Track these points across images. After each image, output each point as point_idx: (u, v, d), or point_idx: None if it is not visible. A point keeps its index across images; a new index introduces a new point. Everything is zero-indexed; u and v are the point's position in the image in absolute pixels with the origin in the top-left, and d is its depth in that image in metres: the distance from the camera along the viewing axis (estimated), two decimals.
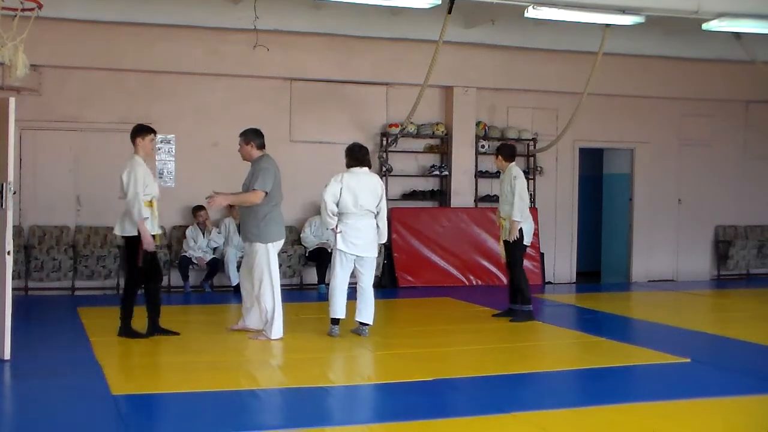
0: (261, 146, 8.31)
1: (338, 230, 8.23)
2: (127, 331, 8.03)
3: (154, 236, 7.98)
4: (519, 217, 9.23)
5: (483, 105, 13.23)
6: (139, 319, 8.22)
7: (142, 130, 8.10)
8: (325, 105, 12.38)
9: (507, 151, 9.68)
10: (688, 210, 14.35)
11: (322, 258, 11.71)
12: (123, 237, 8.08)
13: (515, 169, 9.43)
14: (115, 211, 11.38)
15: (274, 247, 8.23)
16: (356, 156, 8.41)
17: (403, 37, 12.19)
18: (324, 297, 11.32)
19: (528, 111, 13.47)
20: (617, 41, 11.71)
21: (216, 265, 11.42)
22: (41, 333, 8.45)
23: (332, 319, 8.35)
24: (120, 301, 8.18)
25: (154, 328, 8.15)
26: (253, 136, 8.31)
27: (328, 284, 8.42)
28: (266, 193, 8.09)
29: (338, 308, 8.30)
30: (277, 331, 8.16)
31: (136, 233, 7.87)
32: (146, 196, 7.91)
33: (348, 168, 8.40)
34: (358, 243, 8.27)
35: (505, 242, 9.44)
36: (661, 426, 5.67)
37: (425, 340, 8.47)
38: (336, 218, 8.26)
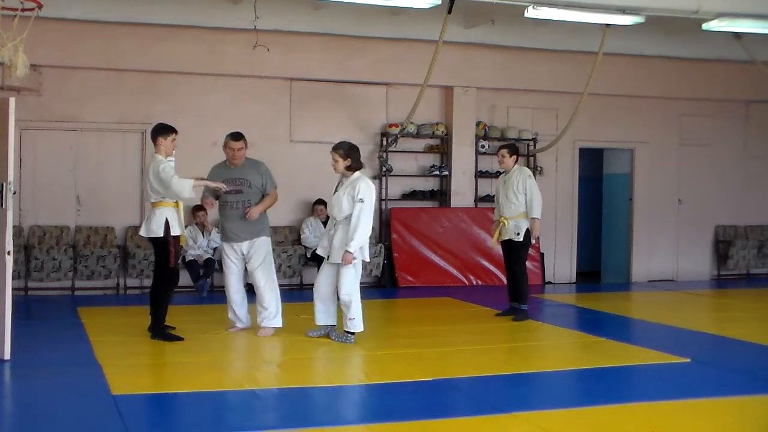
0: None
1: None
2: (162, 334, 7.95)
3: (178, 237, 7.93)
4: (539, 215, 9.36)
5: (483, 105, 13.23)
6: (134, 319, 8.23)
7: (164, 130, 7.96)
8: (325, 105, 12.39)
9: (518, 150, 9.81)
10: (688, 210, 14.35)
11: (323, 259, 11.69)
12: (150, 239, 7.93)
13: (527, 170, 9.57)
14: (114, 211, 11.58)
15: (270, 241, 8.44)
16: (359, 158, 8.20)
17: (403, 37, 12.19)
18: None
19: (528, 111, 13.47)
20: (617, 41, 11.72)
21: (211, 265, 11.39)
22: (41, 333, 8.45)
23: (355, 332, 8.11)
24: (151, 304, 8.06)
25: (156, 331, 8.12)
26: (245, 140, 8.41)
27: None
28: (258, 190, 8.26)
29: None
30: (279, 318, 8.32)
31: (160, 234, 7.79)
32: (172, 198, 7.87)
33: (357, 170, 8.10)
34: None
35: (509, 241, 9.46)
36: (661, 426, 5.67)
37: (425, 340, 8.46)
38: None
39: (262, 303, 8.27)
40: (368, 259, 8.23)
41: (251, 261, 8.28)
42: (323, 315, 8.20)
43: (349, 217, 7.94)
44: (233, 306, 8.48)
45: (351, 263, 7.93)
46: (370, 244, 12.21)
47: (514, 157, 9.55)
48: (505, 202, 9.45)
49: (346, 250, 7.88)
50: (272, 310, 8.28)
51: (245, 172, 8.27)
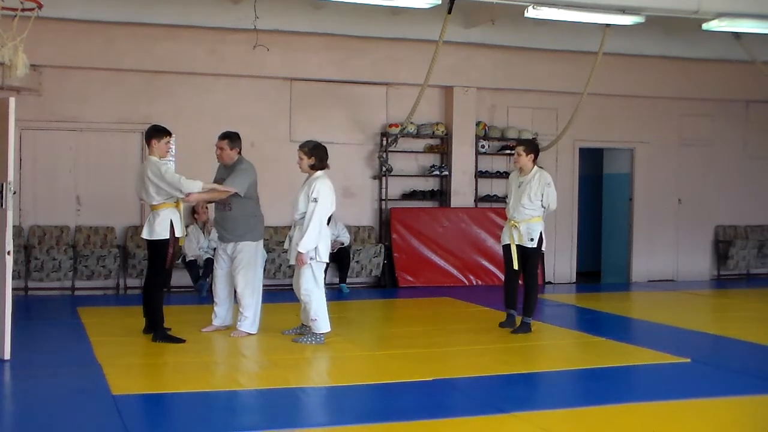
0: (240, 150, 8.38)
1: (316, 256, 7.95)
2: (164, 336, 7.93)
3: (178, 239, 7.94)
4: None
5: (483, 105, 13.24)
6: (134, 319, 8.23)
7: (158, 132, 7.99)
8: (325, 105, 12.39)
9: (537, 149, 8.99)
10: (688, 210, 14.35)
11: (341, 257, 11.81)
12: (150, 240, 7.92)
13: (548, 175, 8.81)
14: (114, 211, 11.57)
15: (261, 245, 8.41)
16: (324, 158, 8.11)
17: (403, 37, 12.19)
18: (345, 296, 11.49)
19: (528, 111, 13.47)
20: (617, 41, 11.72)
21: (211, 265, 11.37)
22: (41, 333, 8.45)
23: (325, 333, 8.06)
24: (148, 306, 8.06)
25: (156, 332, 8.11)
26: (238, 141, 8.38)
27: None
28: (236, 193, 8.12)
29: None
30: (255, 325, 8.29)
31: (166, 236, 7.81)
32: (170, 198, 7.88)
33: (321, 170, 8.05)
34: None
35: (520, 247, 8.69)
36: (661, 426, 5.67)
37: (425, 340, 8.46)
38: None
39: (240, 307, 8.31)
40: (327, 260, 8.06)
41: (234, 263, 8.31)
42: (301, 314, 8.29)
43: (304, 216, 7.91)
44: (215, 301, 8.54)
45: (304, 264, 7.88)
46: (369, 243, 12.38)
47: (532, 155, 8.69)
48: (518, 205, 8.68)
49: (298, 251, 7.84)
50: (248, 315, 8.27)
51: (228, 173, 8.28)
